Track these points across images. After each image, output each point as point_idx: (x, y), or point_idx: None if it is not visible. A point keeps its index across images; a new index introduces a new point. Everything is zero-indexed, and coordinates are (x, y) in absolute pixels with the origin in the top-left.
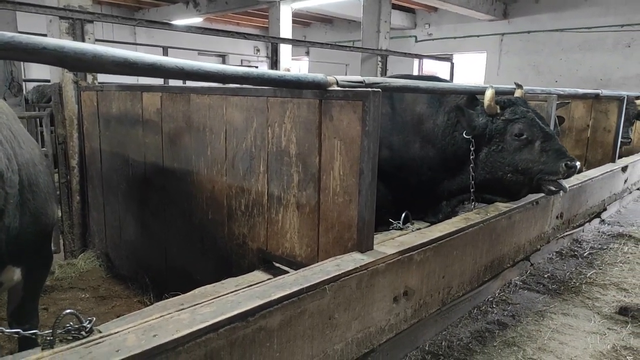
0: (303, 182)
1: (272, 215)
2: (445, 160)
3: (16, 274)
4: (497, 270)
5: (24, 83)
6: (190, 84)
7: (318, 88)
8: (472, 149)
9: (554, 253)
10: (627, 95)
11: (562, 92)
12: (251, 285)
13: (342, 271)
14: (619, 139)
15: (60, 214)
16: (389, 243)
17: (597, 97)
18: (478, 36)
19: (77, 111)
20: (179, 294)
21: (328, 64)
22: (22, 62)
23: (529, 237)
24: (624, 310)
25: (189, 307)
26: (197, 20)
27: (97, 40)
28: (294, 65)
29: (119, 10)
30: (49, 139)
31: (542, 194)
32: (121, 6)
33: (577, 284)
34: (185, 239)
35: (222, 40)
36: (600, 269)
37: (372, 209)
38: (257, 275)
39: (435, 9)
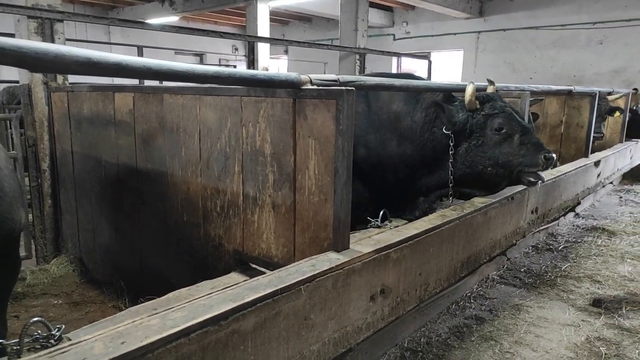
0: (278, 182)
1: (247, 216)
2: (424, 157)
3: None
4: (474, 266)
5: None
6: (164, 83)
7: (292, 87)
8: (451, 144)
9: (530, 247)
10: (599, 91)
11: (535, 89)
12: (226, 288)
13: (318, 271)
14: (592, 135)
15: (31, 219)
16: (365, 242)
17: (569, 93)
18: (455, 34)
19: (47, 113)
20: (155, 298)
21: (307, 62)
22: None
23: (504, 232)
24: (597, 302)
25: (161, 312)
26: (173, 19)
27: (69, 40)
28: (273, 64)
29: (93, 9)
30: (19, 141)
31: (516, 189)
32: (95, 5)
33: (553, 277)
34: (160, 241)
35: (200, 39)
36: (574, 262)
37: (347, 208)
38: (234, 277)
39: (413, 7)
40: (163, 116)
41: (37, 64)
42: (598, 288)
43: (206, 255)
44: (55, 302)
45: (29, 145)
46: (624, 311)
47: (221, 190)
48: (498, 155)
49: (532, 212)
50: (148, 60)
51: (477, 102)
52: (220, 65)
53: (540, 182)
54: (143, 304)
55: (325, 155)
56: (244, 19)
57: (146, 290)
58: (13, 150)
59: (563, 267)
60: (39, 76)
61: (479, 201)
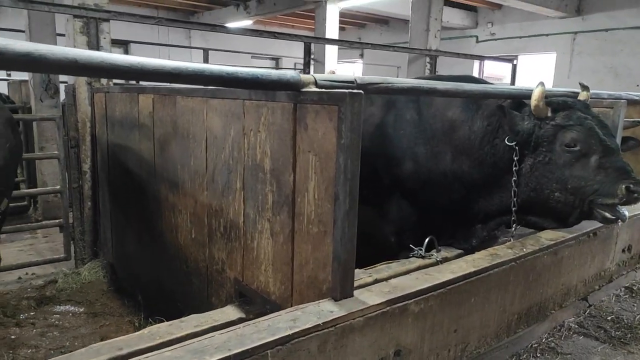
0: (277, 205)
1: (247, 241)
2: (483, 175)
3: None
4: (537, 319)
5: (60, 85)
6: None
7: (288, 89)
8: (515, 158)
9: (622, 289)
10: None
11: (636, 97)
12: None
13: (297, 330)
14: None
15: (71, 220)
16: (378, 288)
17: None
18: (547, 35)
19: (90, 113)
20: (162, 320)
21: (381, 66)
22: None
23: (583, 277)
24: None
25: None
26: (247, 23)
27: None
28: (346, 68)
29: (176, 14)
30: (61, 142)
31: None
32: (177, 10)
33: None
34: (172, 258)
35: (274, 43)
36: None
37: (351, 245)
38: (228, 312)
39: (499, 7)
40: (176, 120)
41: None
42: None
43: (210, 280)
44: (76, 310)
45: (71, 146)
46: None
47: (224, 208)
48: (567, 178)
49: (623, 250)
50: (71, 51)
51: (549, 109)
52: (295, 69)
53: (619, 220)
54: (109, 341)
55: (326, 176)
56: None
57: (160, 309)
58: (55, 151)
59: None
60: (83, 77)
61: (546, 237)
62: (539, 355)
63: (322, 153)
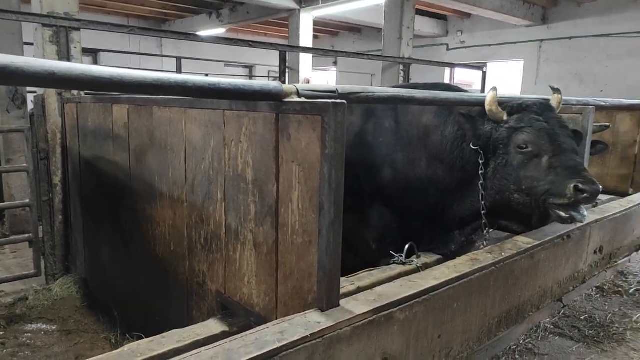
0: (260, 215)
1: (230, 252)
2: (454, 179)
3: None
4: (516, 321)
5: (28, 95)
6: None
7: (270, 99)
8: (480, 162)
9: (594, 288)
10: None
11: (603, 103)
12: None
13: (285, 342)
14: None
15: (42, 235)
16: (363, 297)
17: None
18: (514, 43)
19: (60, 124)
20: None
21: (355, 74)
22: None
23: (558, 278)
24: None
25: None
26: (220, 31)
27: (120, 52)
28: (321, 76)
29: (147, 23)
30: (30, 154)
31: (577, 225)
32: (148, 18)
33: (621, 329)
34: (150, 271)
35: (248, 51)
36: None
37: (336, 254)
38: (211, 325)
39: (468, 15)
40: (153, 131)
41: None
42: None
43: (191, 293)
44: (48, 328)
45: (41, 158)
46: None
47: (205, 219)
48: (521, 179)
49: (595, 252)
50: (48, 63)
51: (505, 112)
52: (269, 77)
53: (576, 221)
54: None
55: (310, 186)
56: None
57: (137, 325)
58: (24, 164)
59: (635, 317)
60: None
61: (523, 241)
62: (517, 356)
63: (305, 163)
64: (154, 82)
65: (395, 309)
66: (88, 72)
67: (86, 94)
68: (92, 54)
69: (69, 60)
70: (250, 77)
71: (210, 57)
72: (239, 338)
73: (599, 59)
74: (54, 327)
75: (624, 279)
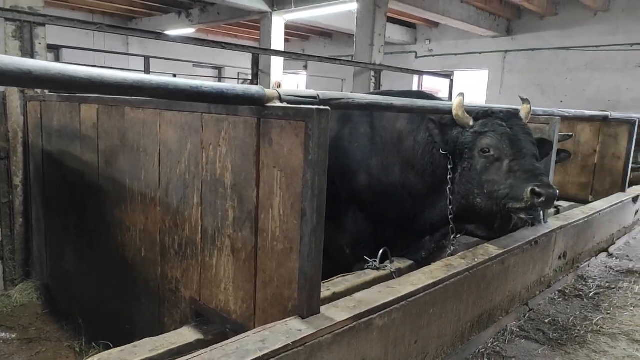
0: (239, 221)
1: (206, 258)
2: (425, 184)
3: None
4: (487, 325)
5: None
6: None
7: (253, 104)
8: (449, 167)
9: (556, 292)
10: (638, 119)
11: (567, 114)
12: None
13: (266, 351)
14: (630, 166)
15: (0, 238)
16: (343, 304)
17: (605, 119)
18: (480, 53)
19: (22, 123)
20: (109, 345)
21: (325, 79)
22: None
23: (526, 283)
24: None
25: None
26: (189, 31)
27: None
28: (291, 79)
29: (113, 20)
30: None
31: (542, 231)
32: (114, 15)
33: (582, 332)
34: (118, 277)
35: (218, 52)
36: (608, 313)
37: (318, 261)
38: (185, 333)
39: (436, 25)
40: (125, 132)
41: None
42: (637, 350)
43: (163, 300)
44: (7, 337)
45: (0, 158)
46: None
47: (179, 224)
48: (483, 183)
49: (559, 257)
50: (24, 62)
51: (471, 118)
52: (239, 79)
53: (537, 222)
54: None
55: (292, 191)
56: None
57: (104, 332)
58: None
59: (595, 320)
60: None
61: (494, 247)
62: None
63: (288, 169)
64: (135, 83)
65: (375, 315)
66: (66, 72)
67: (50, 91)
68: (54, 50)
69: (32, 56)
70: (220, 78)
71: (179, 57)
72: (219, 347)
73: (559, 70)
74: (13, 336)
75: (584, 283)
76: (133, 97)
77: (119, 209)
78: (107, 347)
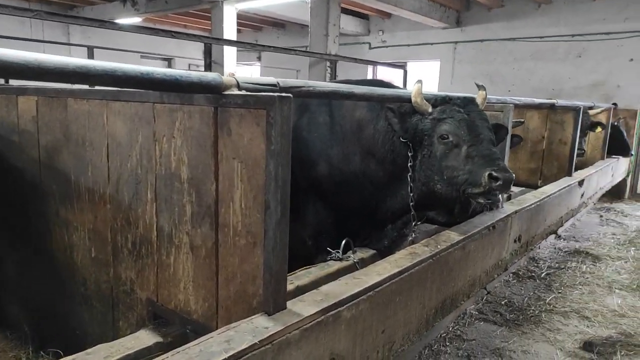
0: (197, 216)
1: (162, 257)
2: (386, 172)
3: None
4: (450, 311)
5: None
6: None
7: (209, 92)
8: (409, 154)
9: (511, 274)
10: (583, 106)
11: (518, 102)
12: None
13: (232, 352)
14: (575, 151)
15: None
16: (310, 297)
17: (552, 107)
18: (432, 44)
19: None
20: (60, 353)
21: (280, 69)
22: None
23: (485, 267)
24: (588, 346)
25: None
26: (135, 20)
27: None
28: (244, 70)
29: (51, 8)
30: None
31: (499, 216)
32: (52, 3)
33: (537, 312)
34: (66, 280)
35: (167, 42)
36: (559, 292)
37: (283, 255)
38: (142, 337)
39: (389, 16)
40: (68, 125)
41: None
42: (587, 326)
43: (117, 302)
44: None
45: None
46: (619, 356)
47: (132, 222)
48: (443, 169)
49: (515, 240)
50: None
51: (430, 105)
52: (190, 70)
53: (496, 206)
54: None
55: (254, 184)
56: None
57: (53, 338)
58: None
59: (547, 300)
60: None
61: (455, 233)
62: (448, 343)
63: (249, 160)
64: (78, 69)
65: (343, 307)
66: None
67: None
68: None
69: None
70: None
71: (126, 48)
72: (182, 351)
73: (506, 61)
74: None
75: (536, 265)
76: (76, 88)
77: (64, 209)
78: (58, 356)
